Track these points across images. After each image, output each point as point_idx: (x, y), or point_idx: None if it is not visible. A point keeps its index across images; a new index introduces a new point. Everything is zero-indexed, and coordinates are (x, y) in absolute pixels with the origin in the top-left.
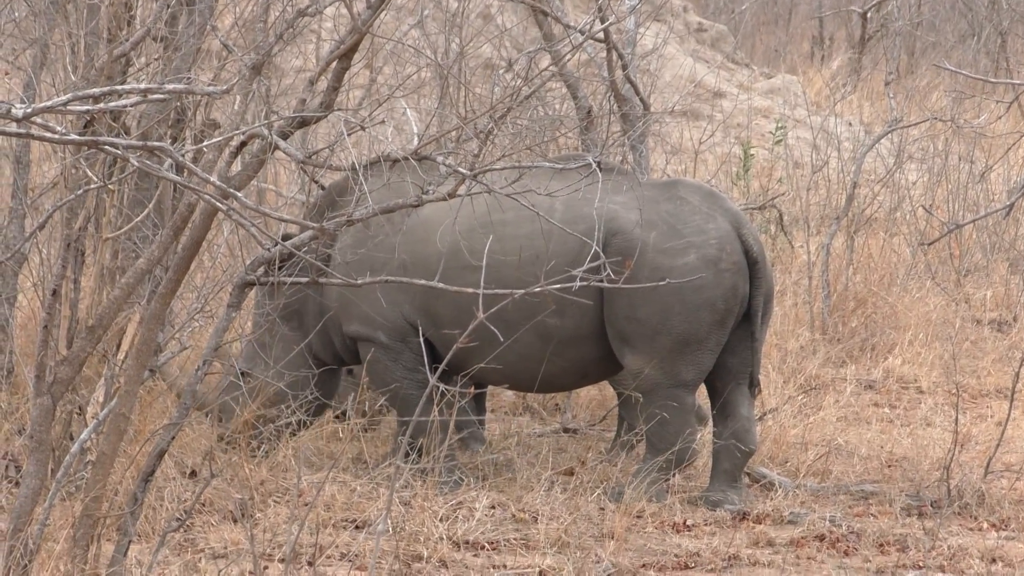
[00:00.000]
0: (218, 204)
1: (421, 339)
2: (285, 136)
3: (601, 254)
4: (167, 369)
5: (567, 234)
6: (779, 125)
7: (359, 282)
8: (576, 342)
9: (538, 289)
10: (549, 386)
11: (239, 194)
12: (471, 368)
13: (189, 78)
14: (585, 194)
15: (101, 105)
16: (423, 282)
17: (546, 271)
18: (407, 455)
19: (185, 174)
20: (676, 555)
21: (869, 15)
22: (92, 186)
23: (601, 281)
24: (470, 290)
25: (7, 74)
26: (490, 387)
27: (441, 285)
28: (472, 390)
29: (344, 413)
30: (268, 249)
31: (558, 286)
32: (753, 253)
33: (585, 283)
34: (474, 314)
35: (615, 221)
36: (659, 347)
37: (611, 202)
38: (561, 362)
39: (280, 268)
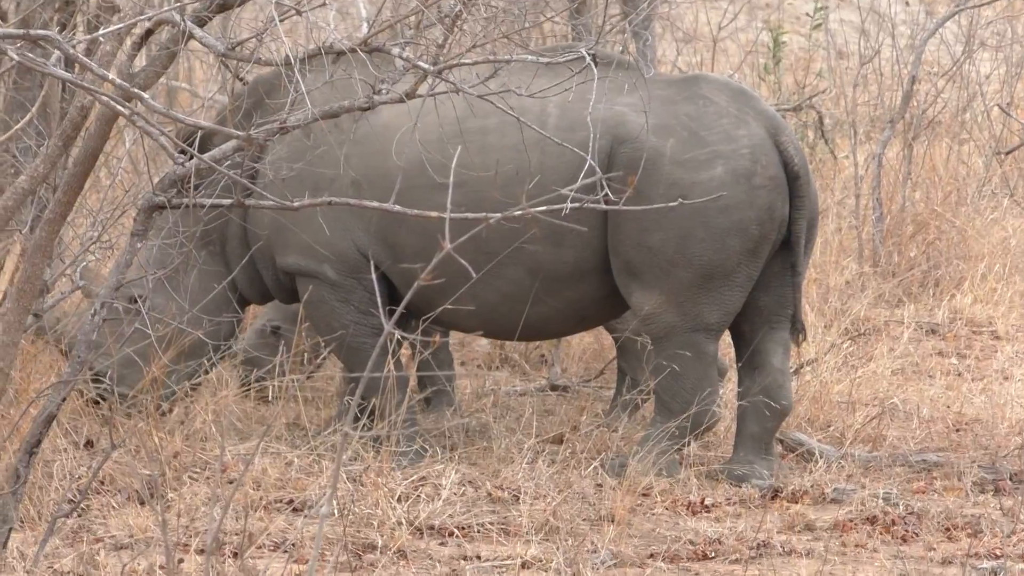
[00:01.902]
0: (118, 107)
1: (374, 275)
2: (201, 23)
3: (598, 168)
4: (54, 315)
5: (563, 144)
6: (818, 5)
7: (295, 204)
8: (575, 278)
9: (519, 212)
10: (536, 332)
11: (144, 95)
12: (436, 311)
13: None
14: (585, 94)
15: None
16: (376, 204)
17: (537, 190)
18: (356, 419)
19: (77, 70)
20: (692, 542)
21: None
22: None
23: (603, 202)
24: (434, 214)
25: None
26: (459, 335)
27: (398, 208)
28: (437, 338)
29: (261, 379)
30: (181, 163)
31: (546, 208)
32: (794, 166)
33: (578, 204)
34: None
35: (623, 127)
36: (676, 282)
37: (617, 103)
38: (554, 302)
39: (196, 187)
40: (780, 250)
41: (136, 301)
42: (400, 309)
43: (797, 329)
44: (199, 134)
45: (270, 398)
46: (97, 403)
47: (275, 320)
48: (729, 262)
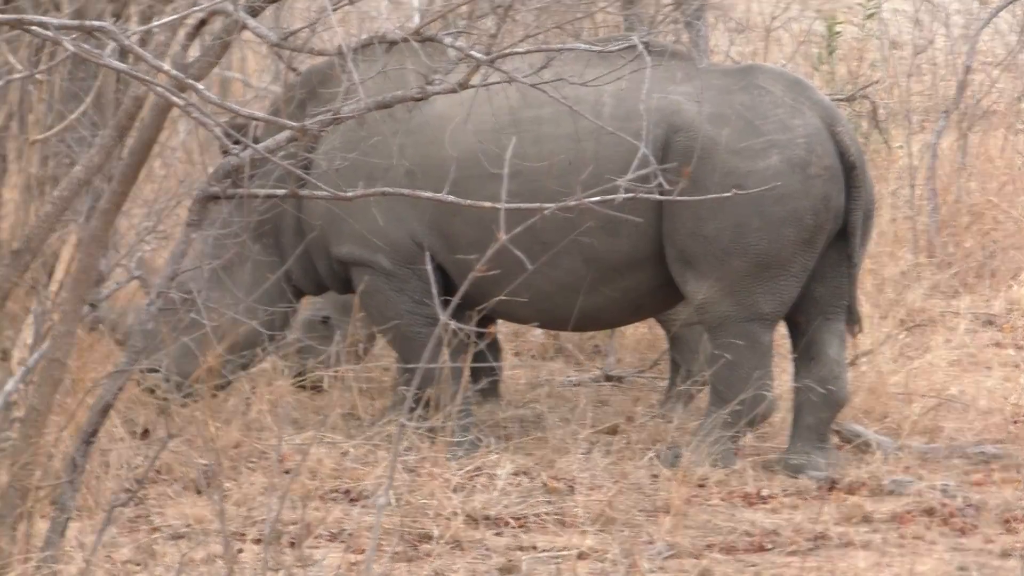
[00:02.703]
0: (173, 98)
1: (429, 265)
2: (255, 13)
3: (652, 158)
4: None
5: (617, 133)
6: None
7: (349, 194)
8: (630, 267)
9: (573, 203)
10: (591, 322)
11: (198, 85)
12: (491, 301)
13: None
14: (640, 84)
15: None
16: (430, 194)
17: (592, 179)
18: (412, 410)
19: (131, 60)
20: (748, 533)
21: None
22: (15, 76)
23: (657, 192)
24: (488, 204)
25: None
26: (513, 325)
27: (452, 198)
28: (492, 329)
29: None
30: (236, 154)
31: (600, 199)
32: (850, 156)
33: (632, 195)
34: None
35: (678, 115)
36: (731, 271)
37: (672, 92)
38: (610, 292)
39: (251, 177)
40: (836, 240)
41: (191, 293)
42: (455, 300)
43: (853, 320)
44: (253, 125)
45: (324, 387)
46: (153, 392)
47: (324, 310)
48: (784, 252)
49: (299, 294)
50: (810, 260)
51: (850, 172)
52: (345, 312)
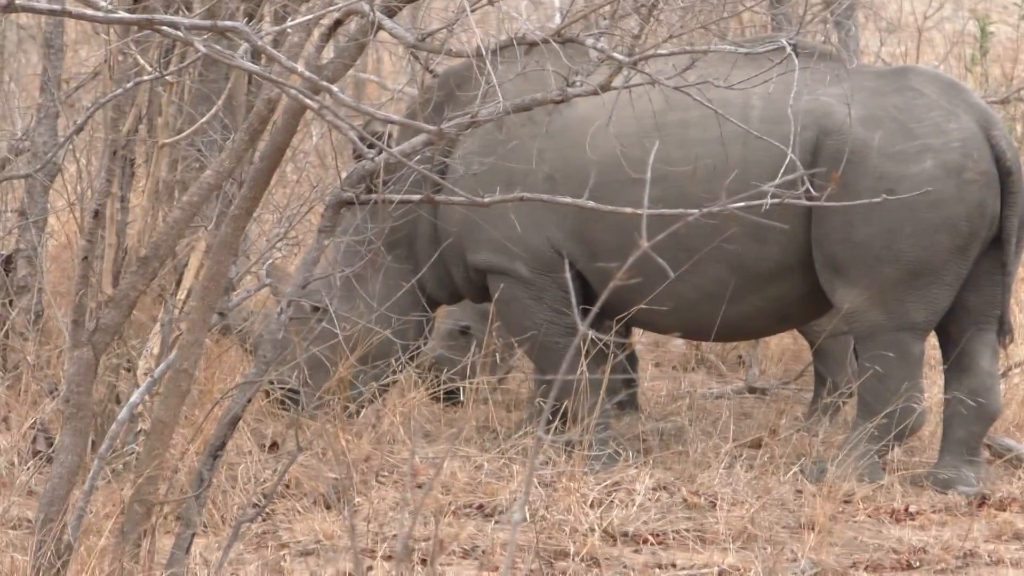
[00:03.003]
0: (306, 100)
1: (568, 273)
2: (391, 13)
3: (799, 163)
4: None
5: (769, 137)
6: None
7: (486, 200)
8: (778, 274)
9: (718, 209)
10: (736, 332)
11: (333, 87)
12: (632, 310)
13: None
14: (790, 86)
15: None
16: (569, 200)
17: (740, 184)
18: (549, 423)
19: (264, 62)
20: (895, 551)
21: None
22: (145, 78)
23: (805, 198)
24: (630, 210)
25: None
26: (654, 335)
27: (592, 204)
28: (631, 340)
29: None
30: (370, 158)
31: (746, 204)
32: (1006, 161)
33: (779, 200)
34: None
35: (829, 118)
36: (882, 279)
37: (824, 95)
38: (757, 301)
39: (385, 183)
40: (990, 248)
41: (318, 309)
42: (595, 309)
43: (1005, 331)
44: (388, 128)
45: (461, 399)
46: (283, 404)
47: (464, 320)
48: (937, 259)
49: (433, 303)
50: (963, 268)
51: (1006, 178)
52: (486, 321)
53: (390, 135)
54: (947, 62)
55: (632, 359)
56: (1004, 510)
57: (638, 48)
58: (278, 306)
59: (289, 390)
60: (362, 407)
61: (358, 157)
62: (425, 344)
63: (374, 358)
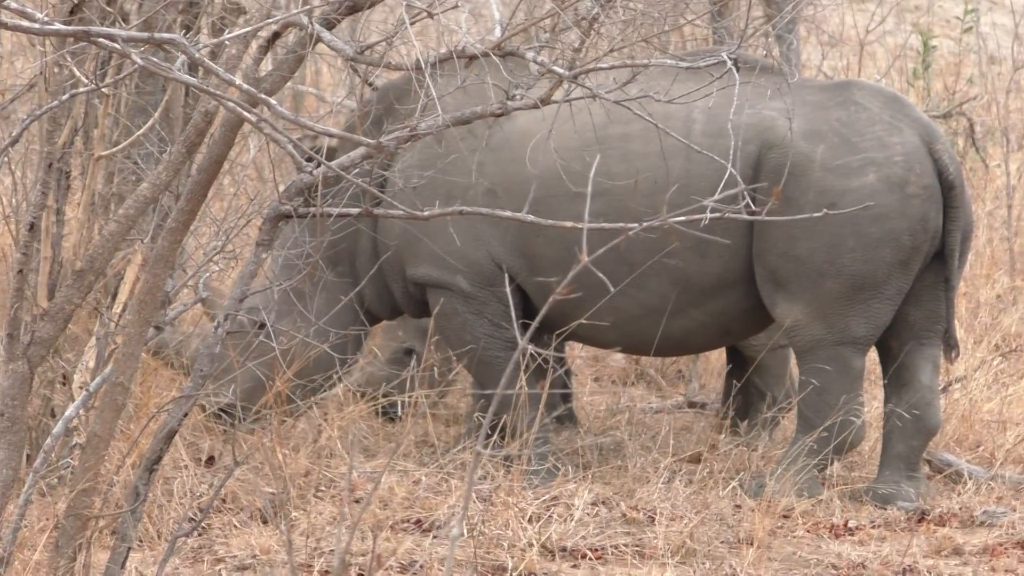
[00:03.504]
0: (244, 113)
1: (508, 287)
2: (330, 26)
3: (739, 177)
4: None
5: (711, 151)
6: (969, 8)
7: (425, 213)
8: (720, 288)
9: (658, 223)
10: (677, 347)
11: (271, 100)
12: (572, 325)
13: None
14: (733, 100)
15: None
16: (509, 214)
17: (683, 198)
18: (487, 437)
19: (201, 74)
20: (834, 566)
21: None
22: (81, 90)
23: (746, 212)
24: (569, 224)
25: None
26: (593, 349)
27: (532, 218)
28: (570, 354)
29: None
30: (308, 171)
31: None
32: (949, 175)
33: (719, 215)
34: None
35: (772, 131)
36: (823, 293)
37: (766, 108)
38: (699, 315)
39: (324, 196)
40: (932, 263)
41: (260, 326)
42: (535, 324)
43: (951, 345)
44: (327, 141)
45: (399, 415)
46: (219, 418)
47: (407, 342)
48: (880, 273)
49: (373, 319)
50: (905, 282)
51: (949, 192)
52: (427, 336)
53: (333, 149)
54: (889, 76)
55: (567, 373)
56: (944, 525)
57: (579, 62)
58: (214, 321)
59: (227, 404)
60: (299, 421)
61: (297, 170)
62: (359, 359)
63: (312, 372)
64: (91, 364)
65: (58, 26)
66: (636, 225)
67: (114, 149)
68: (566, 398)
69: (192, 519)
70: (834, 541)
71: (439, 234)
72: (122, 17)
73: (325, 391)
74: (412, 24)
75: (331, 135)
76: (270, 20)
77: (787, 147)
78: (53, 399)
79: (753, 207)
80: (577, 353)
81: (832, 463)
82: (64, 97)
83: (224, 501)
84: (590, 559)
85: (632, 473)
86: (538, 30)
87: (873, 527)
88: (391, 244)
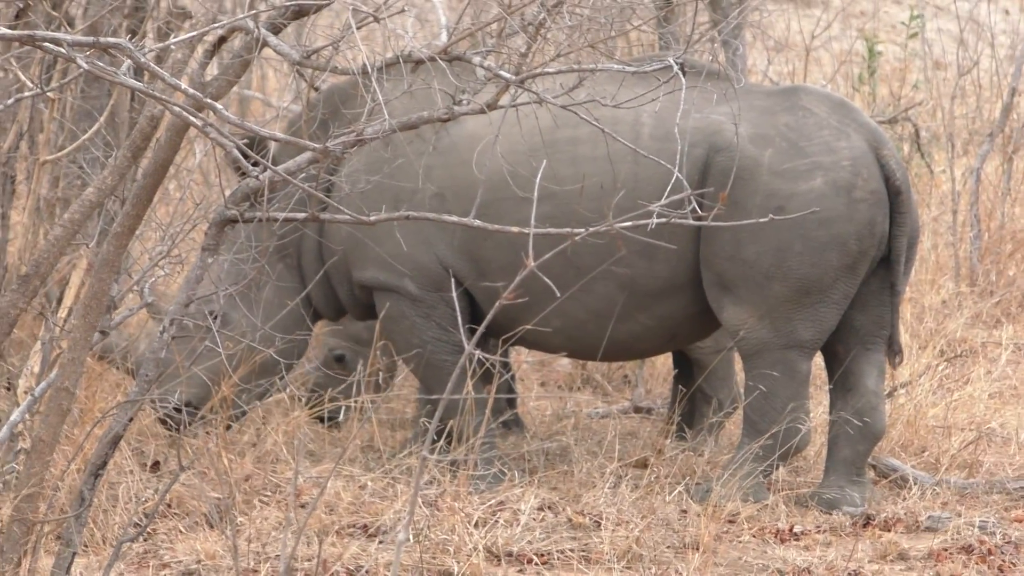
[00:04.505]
0: (190, 117)
1: (455, 291)
2: (276, 30)
3: (685, 182)
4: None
5: (659, 155)
6: (914, 14)
7: (372, 218)
8: (668, 293)
9: (605, 228)
10: (624, 351)
11: (217, 105)
12: (520, 330)
13: None
14: (682, 104)
15: None
16: (455, 219)
17: (631, 202)
18: (434, 442)
19: (147, 79)
20: (780, 571)
21: None
22: (26, 94)
23: (692, 217)
24: (515, 229)
25: None
26: (539, 354)
27: (477, 223)
28: (520, 359)
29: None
30: (255, 176)
31: (633, 224)
32: (895, 180)
33: (665, 220)
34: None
35: (719, 135)
36: (770, 297)
37: (714, 113)
38: (645, 320)
39: (270, 200)
40: (878, 268)
41: (213, 316)
42: (482, 328)
43: (895, 351)
44: (273, 145)
45: (339, 420)
46: (165, 423)
47: (338, 349)
48: (826, 277)
49: (319, 319)
50: (852, 287)
51: (895, 197)
52: (360, 343)
53: (276, 153)
54: (835, 81)
55: (512, 378)
56: (889, 530)
57: (525, 67)
58: (158, 325)
59: (178, 406)
60: (244, 424)
61: (242, 175)
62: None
63: (258, 376)
64: (36, 369)
65: (3, 30)
66: (583, 230)
67: (60, 153)
68: (512, 403)
69: (137, 524)
70: (780, 546)
71: (387, 238)
72: (68, 21)
73: (271, 395)
74: (358, 28)
75: (277, 139)
76: (216, 25)
77: (735, 151)
78: None
79: (699, 212)
80: (523, 358)
81: (777, 468)
82: (9, 101)
83: (169, 506)
84: (536, 564)
85: (578, 478)
86: (485, 35)
87: (819, 532)
88: (337, 248)
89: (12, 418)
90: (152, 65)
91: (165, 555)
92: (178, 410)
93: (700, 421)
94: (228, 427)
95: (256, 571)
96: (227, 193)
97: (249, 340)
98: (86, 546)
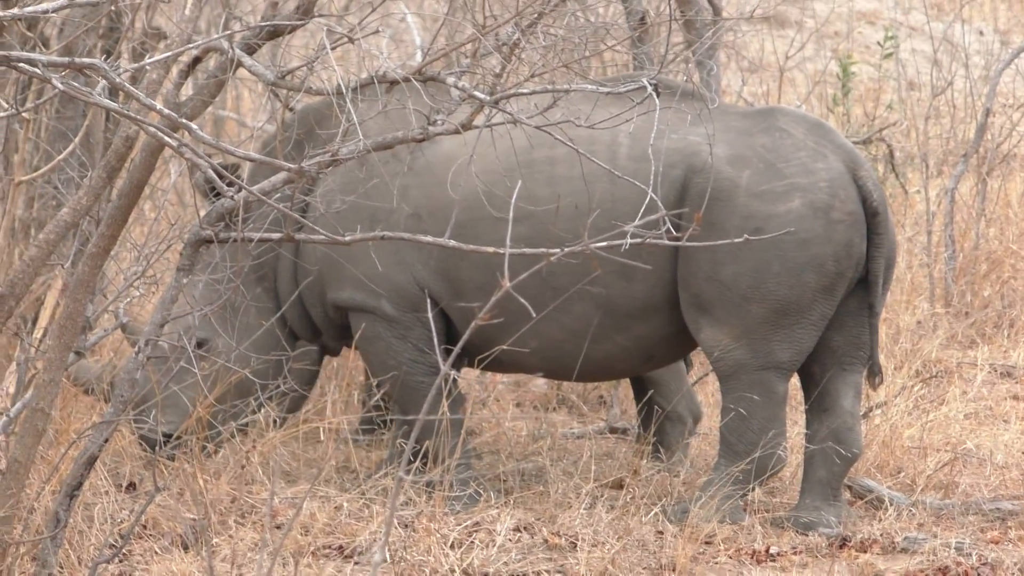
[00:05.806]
0: (165, 138)
1: (431, 312)
2: (251, 50)
3: (660, 203)
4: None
5: (636, 175)
6: (889, 34)
7: (347, 238)
8: (645, 313)
9: (580, 248)
10: (601, 372)
11: (192, 125)
12: (495, 350)
13: None
14: (659, 124)
15: (13, 11)
16: (430, 239)
17: (608, 222)
18: (409, 463)
19: (122, 99)
20: None
21: None
22: (1, 114)
23: (667, 238)
24: (491, 249)
25: None
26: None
27: (453, 243)
28: (496, 379)
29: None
30: (230, 196)
31: (609, 244)
32: (872, 201)
33: (640, 240)
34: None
35: (697, 156)
36: (748, 318)
37: (692, 133)
38: (622, 340)
39: (245, 220)
40: (856, 289)
41: (198, 344)
42: (457, 349)
43: (874, 371)
44: (248, 166)
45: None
46: (141, 444)
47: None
48: (804, 298)
49: (295, 338)
50: (829, 308)
51: (873, 218)
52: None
53: (251, 173)
54: (809, 102)
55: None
56: (865, 551)
57: (500, 87)
58: (133, 346)
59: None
60: (220, 446)
61: (216, 195)
62: (284, 381)
63: (234, 397)
64: (11, 390)
65: None
66: (558, 250)
67: (34, 174)
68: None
69: (113, 545)
70: (756, 567)
71: (362, 258)
72: (42, 42)
73: (247, 416)
74: (333, 49)
75: (251, 160)
76: (191, 45)
77: (712, 171)
78: None
79: (675, 232)
80: (499, 379)
81: (754, 489)
82: None
83: (145, 527)
84: None
85: (554, 499)
86: (459, 55)
87: (795, 553)
88: (312, 269)
89: None
90: (127, 85)
91: None
92: (166, 439)
93: (670, 440)
94: (203, 448)
95: None
96: (202, 213)
97: (224, 360)
98: (61, 567)
